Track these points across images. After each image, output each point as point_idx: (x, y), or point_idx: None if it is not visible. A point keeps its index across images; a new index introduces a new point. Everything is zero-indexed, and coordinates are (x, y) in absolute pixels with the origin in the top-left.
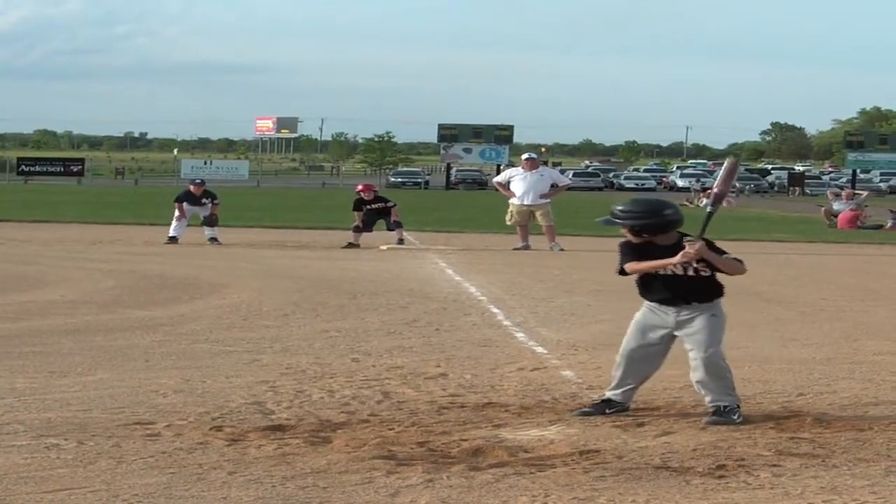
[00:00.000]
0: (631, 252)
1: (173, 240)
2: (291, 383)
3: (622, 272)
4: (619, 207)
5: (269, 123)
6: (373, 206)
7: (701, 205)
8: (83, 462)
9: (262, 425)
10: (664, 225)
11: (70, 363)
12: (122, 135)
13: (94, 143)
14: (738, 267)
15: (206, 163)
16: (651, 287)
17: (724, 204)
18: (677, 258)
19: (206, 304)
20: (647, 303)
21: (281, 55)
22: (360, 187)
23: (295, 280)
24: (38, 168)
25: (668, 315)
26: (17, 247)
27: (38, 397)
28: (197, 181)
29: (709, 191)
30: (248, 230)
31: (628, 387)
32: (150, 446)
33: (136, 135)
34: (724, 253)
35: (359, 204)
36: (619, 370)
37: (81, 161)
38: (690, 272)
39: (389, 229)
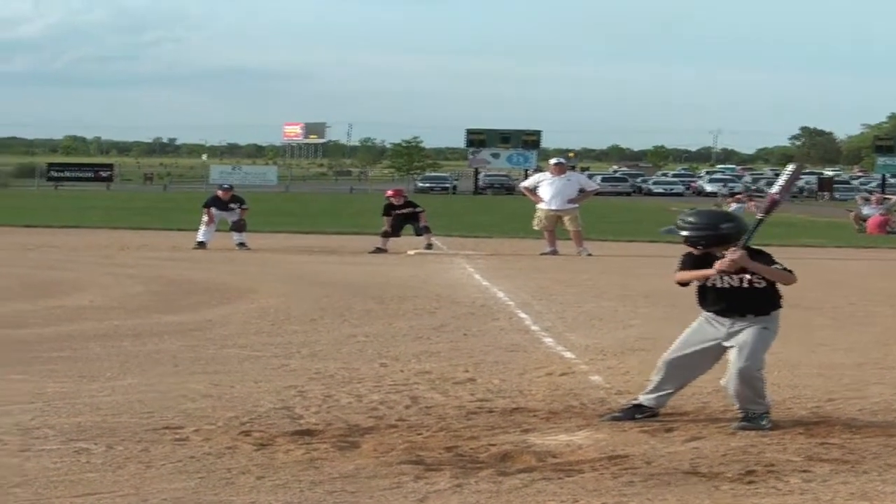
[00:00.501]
0: (689, 263)
1: (202, 245)
2: (320, 388)
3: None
4: (682, 218)
5: (298, 129)
6: (402, 210)
7: (729, 210)
8: (112, 466)
9: (290, 430)
10: (720, 238)
11: (99, 368)
12: (150, 140)
13: (124, 148)
14: (786, 277)
15: (234, 168)
16: (707, 298)
17: (753, 209)
18: (714, 268)
19: (234, 309)
20: (704, 313)
21: (309, 61)
22: (390, 192)
23: (323, 285)
24: (67, 174)
25: (723, 326)
26: (46, 252)
27: (68, 402)
28: (224, 186)
29: (738, 196)
30: (276, 235)
31: (665, 392)
32: (179, 451)
33: (165, 140)
34: (774, 263)
35: (388, 209)
36: (658, 375)
37: (110, 167)
38: (745, 283)
39: (417, 234)
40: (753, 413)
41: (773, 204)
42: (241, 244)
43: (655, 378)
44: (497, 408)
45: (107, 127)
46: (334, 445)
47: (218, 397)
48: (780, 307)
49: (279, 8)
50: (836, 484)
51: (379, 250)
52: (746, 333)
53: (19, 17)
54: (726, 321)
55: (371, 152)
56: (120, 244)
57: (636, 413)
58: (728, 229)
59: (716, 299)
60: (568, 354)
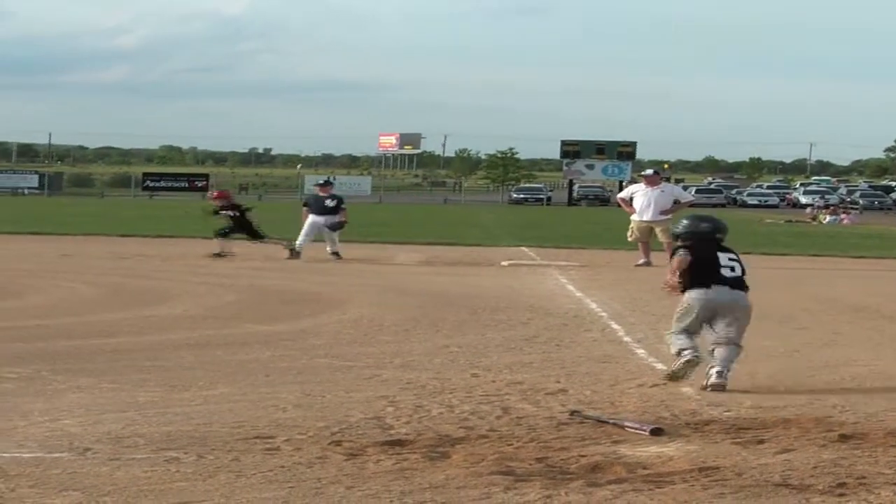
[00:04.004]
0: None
1: (296, 254)
2: (411, 398)
3: None
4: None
5: (393, 140)
6: (229, 212)
7: (825, 221)
8: (202, 476)
9: (380, 440)
10: (699, 235)
11: (191, 377)
12: (246, 151)
13: (219, 158)
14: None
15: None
16: None
17: (847, 221)
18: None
19: (326, 319)
20: None
21: (404, 72)
22: (213, 194)
23: (415, 295)
24: (162, 184)
25: None
26: (140, 261)
27: (159, 411)
28: (321, 181)
29: (832, 207)
30: (369, 245)
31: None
32: (269, 460)
33: (261, 151)
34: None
35: (215, 211)
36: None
37: (206, 176)
38: None
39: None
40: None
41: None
42: (335, 254)
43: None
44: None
45: (202, 137)
46: (424, 455)
47: (309, 407)
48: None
49: (375, 21)
50: None
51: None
52: None
53: (117, 28)
54: None
55: (465, 163)
56: (210, 254)
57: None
58: (705, 229)
59: None
60: (660, 366)
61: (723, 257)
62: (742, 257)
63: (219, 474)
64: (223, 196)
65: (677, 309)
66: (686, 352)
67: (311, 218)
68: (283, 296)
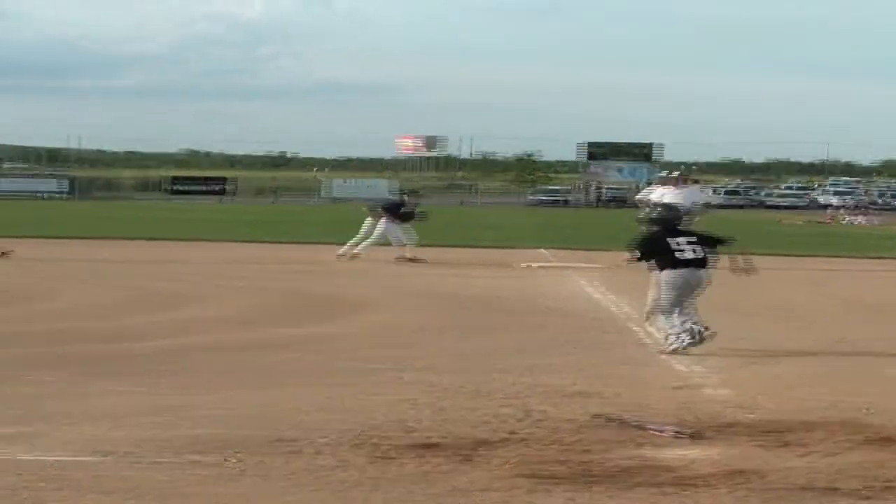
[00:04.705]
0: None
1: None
2: (433, 401)
3: None
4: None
5: (412, 142)
6: None
7: (843, 222)
8: (225, 478)
9: (403, 443)
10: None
11: (215, 380)
12: (269, 153)
13: (248, 163)
14: None
15: (345, 181)
16: None
17: (866, 222)
18: None
19: (350, 321)
20: None
21: (422, 73)
22: None
23: (438, 298)
24: (187, 187)
25: None
26: (166, 265)
27: (183, 415)
28: (405, 190)
29: (856, 208)
30: (389, 249)
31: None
32: (294, 463)
33: (276, 153)
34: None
35: None
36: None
37: (226, 180)
38: None
39: None
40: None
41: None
42: (413, 258)
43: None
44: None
45: (223, 140)
46: (447, 458)
47: (332, 410)
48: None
49: (395, 23)
50: None
51: None
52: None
53: (136, 32)
54: None
55: (485, 165)
56: (236, 257)
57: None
58: (659, 214)
59: None
60: (681, 367)
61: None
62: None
63: (242, 477)
64: None
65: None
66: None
67: (388, 222)
68: (309, 299)
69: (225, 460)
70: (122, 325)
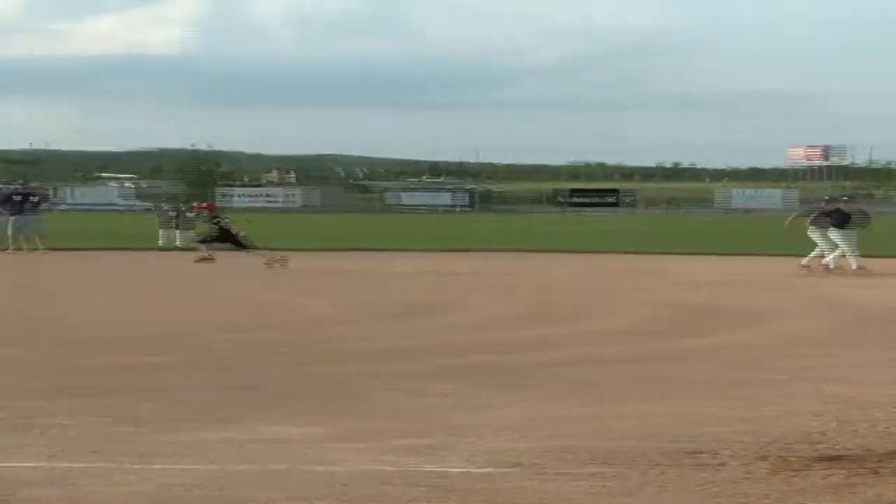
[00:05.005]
0: None
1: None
2: (840, 413)
3: None
4: None
5: (804, 151)
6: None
7: None
8: (625, 492)
9: (808, 455)
10: None
11: (622, 391)
12: (656, 164)
13: (631, 173)
14: None
15: (744, 192)
16: None
17: None
18: None
19: (757, 332)
20: None
21: (818, 83)
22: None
23: (848, 308)
24: (585, 199)
25: None
26: (564, 279)
27: (592, 426)
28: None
29: None
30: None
31: None
32: (696, 475)
33: (669, 164)
34: None
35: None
36: None
37: (623, 192)
38: None
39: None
40: None
41: None
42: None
43: None
44: None
45: (614, 152)
46: (853, 471)
47: (735, 421)
48: None
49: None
50: None
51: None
52: None
53: (529, 47)
54: None
55: (888, 175)
56: (633, 268)
57: None
58: None
59: None
60: None
61: None
62: None
63: (642, 490)
64: (209, 207)
65: None
66: None
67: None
68: (706, 310)
69: (626, 472)
70: (532, 335)
